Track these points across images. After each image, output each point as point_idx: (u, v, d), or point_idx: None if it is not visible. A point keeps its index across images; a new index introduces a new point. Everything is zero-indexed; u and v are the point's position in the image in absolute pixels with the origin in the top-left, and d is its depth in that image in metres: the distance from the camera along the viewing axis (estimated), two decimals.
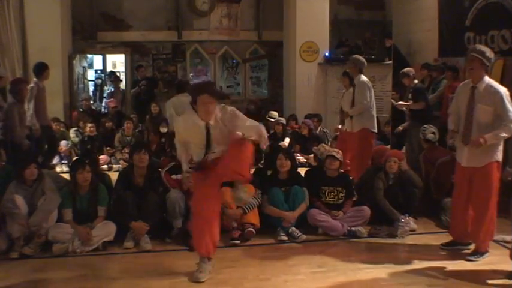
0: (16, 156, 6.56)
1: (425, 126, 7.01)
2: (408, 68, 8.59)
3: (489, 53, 4.78)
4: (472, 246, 5.12)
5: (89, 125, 9.50)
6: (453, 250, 5.15)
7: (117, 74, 13.09)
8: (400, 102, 8.29)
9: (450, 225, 5.35)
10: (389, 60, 10.86)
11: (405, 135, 8.61)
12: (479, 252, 4.98)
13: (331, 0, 11.87)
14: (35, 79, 7.96)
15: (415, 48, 10.49)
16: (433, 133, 6.88)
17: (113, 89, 12.89)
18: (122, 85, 13.21)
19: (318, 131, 10.36)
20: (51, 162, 8.69)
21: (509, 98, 4.70)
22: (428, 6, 9.90)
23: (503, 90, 4.73)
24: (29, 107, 7.60)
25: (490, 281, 4.48)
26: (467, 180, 4.96)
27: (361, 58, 7.58)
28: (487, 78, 4.79)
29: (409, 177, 6.10)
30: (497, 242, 5.22)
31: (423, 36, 10.08)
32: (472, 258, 4.94)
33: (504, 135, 4.69)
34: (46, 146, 8.32)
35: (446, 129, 7.66)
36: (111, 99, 11.83)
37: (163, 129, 9.67)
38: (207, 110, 4.23)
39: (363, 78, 7.29)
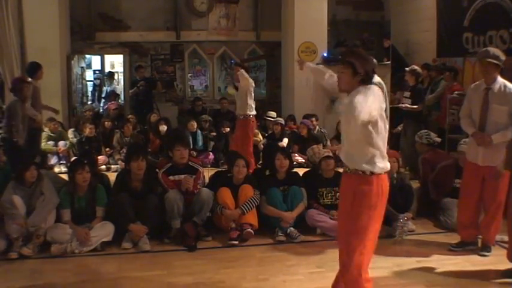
0: (16, 156, 6.55)
1: (426, 131, 7.02)
2: (417, 68, 8.57)
3: (502, 55, 4.86)
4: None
5: (89, 126, 9.49)
6: (462, 250, 5.18)
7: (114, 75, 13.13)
8: (406, 104, 8.24)
9: (458, 226, 5.36)
10: (388, 61, 10.87)
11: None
12: (489, 246, 5.12)
13: (329, 0, 11.87)
14: (29, 79, 7.97)
15: (413, 48, 10.51)
16: (437, 136, 6.92)
17: (110, 90, 12.92)
18: (120, 86, 13.23)
19: (315, 131, 10.36)
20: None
21: None
22: (426, 6, 9.92)
23: None
24: (27, 106, 7.63)
25: (488, 281, 4.50)
26: (480, 180, 4.99)
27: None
28: (500, 79, 4.85)
29: (403, 178, 6.14)
30: (496, 242, 5.23)
31: (421, 37, 10.11)
32: (485, 253, 5.06)
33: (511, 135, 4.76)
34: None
35: (445, 130, 7.74)
36: (112, 102, 11.83)
37: (163, 128, 9.67)
38: None
39: (375, 79, 7.16)
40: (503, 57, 4.85)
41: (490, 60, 4.78)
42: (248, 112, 8.06)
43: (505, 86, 4.80)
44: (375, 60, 7.42)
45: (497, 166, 4.77)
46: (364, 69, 3.45)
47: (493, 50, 4.94)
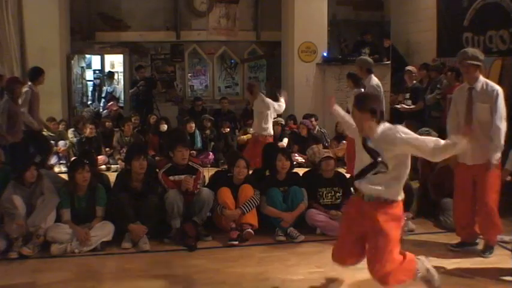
0: (14, 156, 6.57)
1: (426, 129, 7.00)
2: (412, 67, 8.62)
3: (480, 54, 4.96)
4: (480, 246, 5.19)
5: (90, 126, 9.49)
6: (462, 250, 5.18)
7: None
8: (403, 105, 8.25)
9: (456, 226, 5.36)
10: (388, 61, 10.88)
11: None
12: (490, 247, 5.07)
13: (329, 0, 11.88)
14: (29, 83, 7.91)
15: (413, 48, 10.51)
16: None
17: (111, 90, 12.93)
18: (120, 86, 13.23)
19: (315, 131, 10.36)
20: (48, 162, 8.67)
21: (502, 96, 4.82)
22: (426, 6, 9.92)
23: (498, 88, 4.87)
24: (23, 111, 7.61)
25: (489, 281, 4.50)
26: (471, 179, 5.00)
27: (365, 58, 7.47)
28: (482, 78, 4.93)
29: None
30: (496, 242, 5.23)
31: (421, 37, 10.11)
32: (487, 254, 5.02)
33: (500, 138, 4.77)
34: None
35: (445, 130, 7.73)
36: (112, 102, 11.84)
37: (163, 127, 9.68)
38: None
39: (373, 81, 7.11)
40: (481, 56, 4.94)
41: (469, 62, 4.86)
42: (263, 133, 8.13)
43: (487, 84, 4.88)
44: (370, 59, 7.46)
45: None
46: (380, 109, 3.78)
47: (471, 50, 5.02)
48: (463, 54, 4.96)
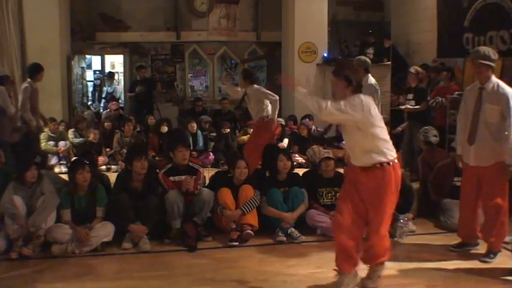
0: (15, 156, 6.57)
1: (426, 128, 7.00)
2: (416, 67, 8.60)
3: (493, 54, 4.85)
4: (480, 247, 5.14)
5: (94, 131, 9.48)
6: (463, 251, 5.15)
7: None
8: (407, 106, 8.23)
9: (458, 226, 5.32)
10: (388, 61, 10.88)
11: (403, 136, 8.63)
12: (492, 252, 4.96)
13: (329, 1, 11.88)
14: (28, 79, 7.95)
15: (413, 48, 10.52)
16: (435, 136, 6.88)
17: (111, 90, 12.92)
18: (121, 86, 13.21)
19: (312, 131, 10.37)
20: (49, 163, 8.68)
21: None
22: (427, 7, 9.93)
23: (510, 91, 4.75)
24: (24, 107, 7.63)
25: (489, 281, 4.49)
26: (475, 179, 4.96)
27: (363, 58, 7.48)
28: (494, 78, 4.85)
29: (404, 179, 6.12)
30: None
31: (422, 37, 10.12)
32: (487, 259, 4.92)
33: None
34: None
35: (444, 129, 7.74)
36: (113, 102, 11.83)
37: (164, 129, 9.67)
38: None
39: (371, 80, 7.12)
40: (494, 56, 4.85)
41: (482, 61, 4.78)
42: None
43: (498, 86, 4.79)
44: (368, 60, 7.48)
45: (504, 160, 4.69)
46: (356, 80, 3.96)
47: (484, 49, 4.92)
48: (475, 53, 4.90)
